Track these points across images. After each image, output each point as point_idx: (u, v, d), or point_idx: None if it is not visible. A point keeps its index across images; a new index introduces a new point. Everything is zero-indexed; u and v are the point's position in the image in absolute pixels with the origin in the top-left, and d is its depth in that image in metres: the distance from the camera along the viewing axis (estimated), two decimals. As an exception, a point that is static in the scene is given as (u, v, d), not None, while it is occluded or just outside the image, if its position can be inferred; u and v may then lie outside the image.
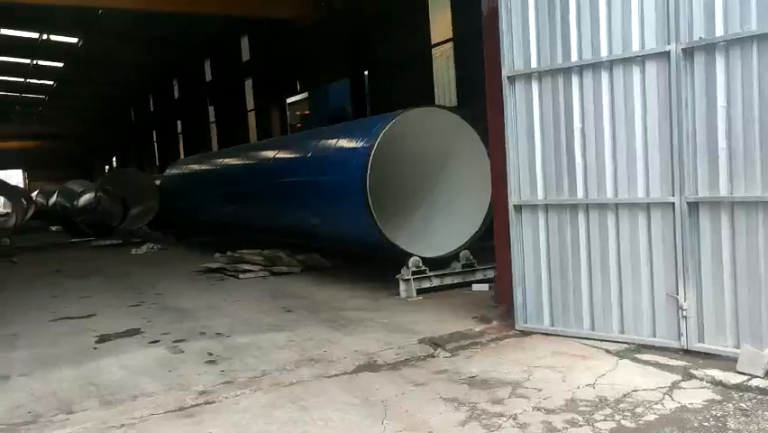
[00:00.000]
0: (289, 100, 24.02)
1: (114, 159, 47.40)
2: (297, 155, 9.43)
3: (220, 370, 4.90)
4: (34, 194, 40.18)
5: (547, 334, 5.39)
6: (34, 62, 30.12)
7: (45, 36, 25.98)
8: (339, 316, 6.59)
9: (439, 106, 8.51)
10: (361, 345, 5.40)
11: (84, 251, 14.90)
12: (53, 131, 47.44)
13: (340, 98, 19.54)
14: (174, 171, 15.42)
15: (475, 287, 7.57)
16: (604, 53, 4.99)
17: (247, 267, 9.88)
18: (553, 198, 5.36)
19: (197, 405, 4.17)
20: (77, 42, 26.84)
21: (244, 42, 25.38)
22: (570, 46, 5.16)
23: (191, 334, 6.09)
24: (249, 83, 25.66)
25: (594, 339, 5.11)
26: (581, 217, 5.22)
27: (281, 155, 9.91)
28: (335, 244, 9.15)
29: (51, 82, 34.68)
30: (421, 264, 7.55)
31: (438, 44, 15.52)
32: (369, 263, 9.21)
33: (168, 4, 18.18)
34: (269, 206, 10.11)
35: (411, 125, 7.98)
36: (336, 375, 4.66)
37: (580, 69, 5.14)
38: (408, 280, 7.44)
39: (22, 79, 33.89)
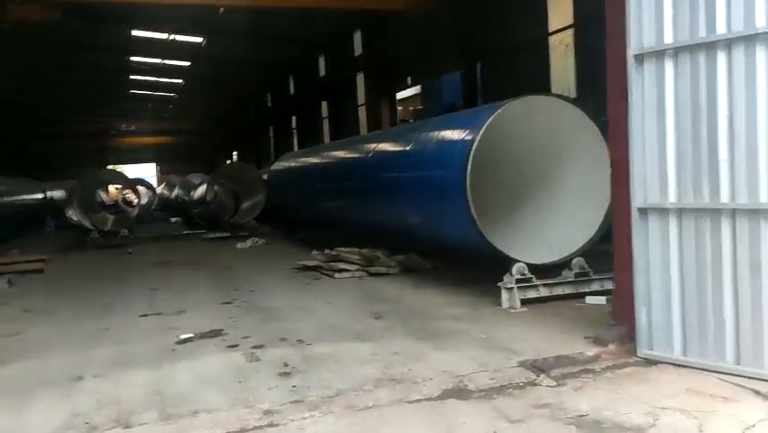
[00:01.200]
0: (401, 96, 23.67)
1: (234, 153, 49.41)
2: (396, 149, 8.89)
3: (292, 385, 4.43)
4: (160, 187, 42.81)
5: (677, 365, 4.46)
6: (164, 62, 31.76)
7: (173, 36, 27.23)
8: (431, 326, 5.96)
9: (553, 95, 7.59)
10: (451, 363, 4.75)
11: (194, 243, 15.26)
12: (182, 127, 50.30)
13: (453, 92, 18.86)
14: (279, 166, 15.43)
15: (589, 300, 6.66)
16: (760, 23, 4.00)
17: (343, 266, 9.48)
18: (688, 202, 4.42)
19: (259, 427, 3.71)
20: (202, 42, 27.94)
21: (357, 37, 25.31)
22: (715, 15, 4.20)
23: (272, 339, 5.70)
24: (360, 78, 25.60)
25: (739, 376, 4.15)
26: (726, 225, 4.25)
27: (380, 149, 9.40)
28: (434, 244, 8.50)
29: (180, 81, 36.53)
30: (527, 272, 6.74)
31: (557, 31, 14.39)
32: (473, 266, 8.47)
33: (284, 1, 18.35)
34: (367, 202, 9.67)
35: (520, 116, 7.18)
36: (418, 401, 4.05)
37: (729, 43, 4.17)
38: (511, 289, 6.66)
39: (155, 78, 35.94)
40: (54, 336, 6.20)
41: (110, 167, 56.83)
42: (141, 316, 6.98)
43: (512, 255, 6.79)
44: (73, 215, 14.80)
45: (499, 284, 6.74)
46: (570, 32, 13.89)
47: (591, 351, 4.91)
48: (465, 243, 7.36)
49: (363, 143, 10.80)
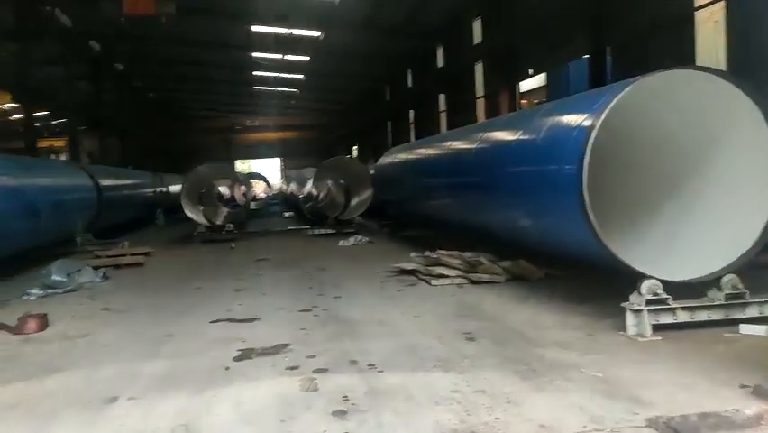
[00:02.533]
0: (524, 88, 22.16)
1: (354, 148, 49.66)
2: (501, 140, 7.73)
3: (344, 432, 3.54)
4: (277, 181, 43.82)
5: None
6: (284, 57, 32.18)
7: (291, 31, 27.39)
8: (533, 355, 4.84)
9: (700, 68, 6.11)
10: (552, 413, 3.65)
11: (297, 239, 14.87)
12: (305, 122, 51.36)
13: (581, 81, 17.15)
14: (386, 160, 14.67)
15: (744, 329, 5.23)
16: None
17: (442, 271, 8.48)
18: None
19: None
20: (320, 36, 27.90)
21: (476, 25, 24.09)
22: None
23: (340, 361, 4.85)
24: (479, 68, 24.36)
25: None
26: None
27: (484, 141, 8.28)
28: (545, 249, 7.27)
29: (301, 76, 37.02)
30: (661, 291, 5.41)
31: (705, 5, 12.42)
32: (592, 275, 7.16)
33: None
34: (470, 200, 8.62)
35: (655, 96, 5.82)
36: (501, 474, 3.01)
37: None
38: (640, 311, 5.36)
39: (277, 74, 36.66)
40: (116, 341, 5.76)
41: (238, 161, 59.80)
42: (213, 322, 6.41)
43: (640, 269, 5.48)
44: (185, 208, 14.87)
45: (624, 304, 5.47)
46: (720, 5, 11.92)
47: (751, 408, 3.62)
48: (581, 250, 6.12)
49: (467, 135, 9.68)
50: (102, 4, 13.65)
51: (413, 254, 9.42)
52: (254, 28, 26.83)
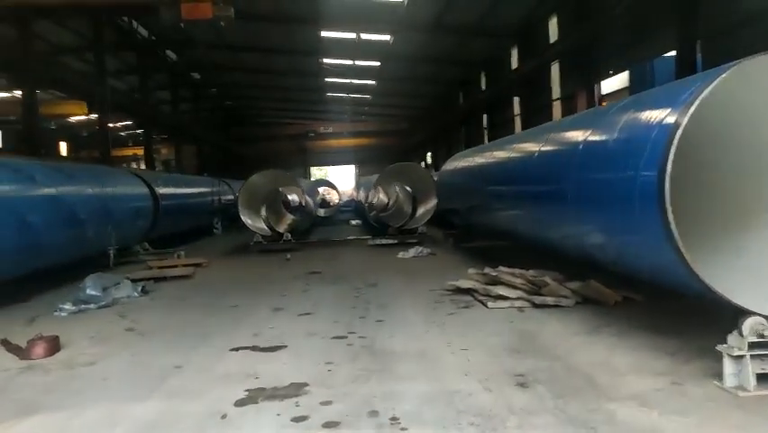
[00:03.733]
0: (606, 89, 20.62)
1: (428, 154, 48.75)
2: (568, 143, 6.66)
3: None
4: (349, 189, 43.42)
5: None
6: (355, 62, 31.79)
7: (360, 36, 26.90)
8: (602, 413, 3.84)
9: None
10: None
11: (356, 250, 14.15)
12: (378, 128, 50.92)
13: (668, 81, 15.56)
14: (450, 166, 13.72)
15: None
16: None
17: (502, 292, 7.49)
18: None
19: None
20: (389, 40, 27.27)
21: (552, 23, 22.76)
22: None
23: (358, 411, 4.02)
24: (555, 69, 22.99)
25: None
26: None
27: (549, 145, 7.22)
28: (620, 270, 6.15)
29: (373, 82, 36.55)
30: (767, 330, 4.27)
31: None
32: (679, 300, 5.98)
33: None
34: (534, 211, 7.57)
35: (757, 87, 4.66)
36: None
37: None
38: (741, 357, 4.24)
39: (348, 80, 36.35)
40: (119, 372, 5.16)
41: (313, 168, 60.21)
42: (233, 349, 5.71)
43: (742, 303, 4.34)
44: (242, 216, 14.47)
45: (720, 348, 4.35)
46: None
47: None
48: (663, 274, 5.02)
49: (530, 139, 8.61)
50: (161, 10, 13.39)
51: (471, 270, 8.48)
52: (323, 33, 26.52)
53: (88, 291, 7.95)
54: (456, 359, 5.19)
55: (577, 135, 6.39)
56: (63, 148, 39.17)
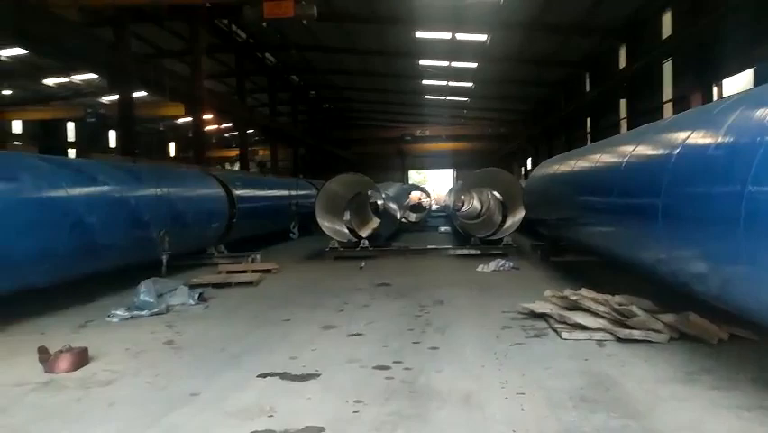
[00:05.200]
0: (727, 90, 18.60)
1: (528, 160, 46.97)
2: (660, 148, 5.57)
3: None
4: (442, 195, 42.42)
5: None
6: (451, 64, 30.94)
7: (455, 36, 26.04)
8: None
9: None
10: None
11: (434, 260, 13.34)
12: (476, 132, 49.69)
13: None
14: (539, 173, 12.64)
15: None
16: None
17: (581, 320, 6.48)
18: None
19: None
20: (486, 40, 26.23)
21: (666, 18, 20.90)
22: None
23: (367, 475, 3.30)
24: (667, 67, 21.09)
25: None
26: None
27: (641, 149, 6.13)
28: (725, 307, 5.03)
29: (470, 84, 35.54)
30: None
31: None
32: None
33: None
34: (621, 227, 6.50)
35: None
36: None
37: None
38: None
39: (445, 83, 35.54)
40: (130, 396, 4.72)
41: (412, 171, 59.84)
42: (261, 375, 5.15)
43: None
44: (319, 220, 14.09)
45: None
46: None
47: None
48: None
49: (623, 144, 7.47)
50: (244, 9, 13.29)
51: (548, 293, 7.49)
52: (418, 34, 25.92)
53: (142, 297, 7.72)
54: (507, 406, 4.34)
55: (671, 139, 5.32)
56: (172, 148, 41.00)
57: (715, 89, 17.69)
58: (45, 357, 5.59)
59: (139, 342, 6.36)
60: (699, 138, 4.76)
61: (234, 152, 42.62)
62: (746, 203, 3.70)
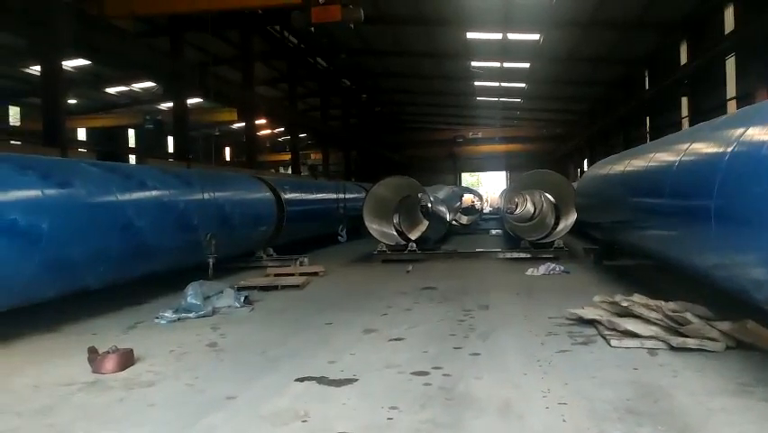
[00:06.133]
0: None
1: (585, 161, 45.85)
2: (712, 149, 5.28)
3: None
4: (495, 197, 41.76)
5: None
6: (503, 65, 30.52)
7: (506, 36, 25.67)
8: None
9: None
10: None
11: (483, 263, 13.13)
12: (530, 134, 48.91)
13: None
14: (592, 173, 12.27)
15: None
16: None
17: (632, 327, 6.22)
18: None
19: None
20: (539, 39, 25.77)
21: (728, 12, 20.03)
22: None
23: (395, 485, 3.21)
24: (731, 63, 20.20)
25: None
26: None
27: (692, 151, 5.83)
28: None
29: (523, 85, 34.99)
30: None
31: None
32: None
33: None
34: (673, 230, 6.21)
35: None
36: None
37: None
38: None
39: (497, 84, 35.09)
40: (168, 399, 4.75)
41: (465, 174, 59.37)
42: (298, 380, 5.12)
43: None
44: (367, 223, 14.09)
45: None
46: None
47: None
48: None
49: (677, 143, 7.14)
50: (293, 15, 13.45)
51: (597, 298, 7.23)
52: (469, 35, 25.67)
53: (189, 300, 7.85)
54: (548, 417, 4.18)
55: (726, 136, 5.03)
56: (227, 153, 41.91)
57: (782, 85, 16.84)
58: (93, 357, 5.74)
59: (183, 344, 6.46)
60: (754, 133, 4.47)
61: (287, 156, 43.25)
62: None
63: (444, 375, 5.16)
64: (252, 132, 22.37)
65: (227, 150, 42.64)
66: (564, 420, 4.11)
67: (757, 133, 4.52)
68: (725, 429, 3.89)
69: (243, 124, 23.83)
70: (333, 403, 4.55)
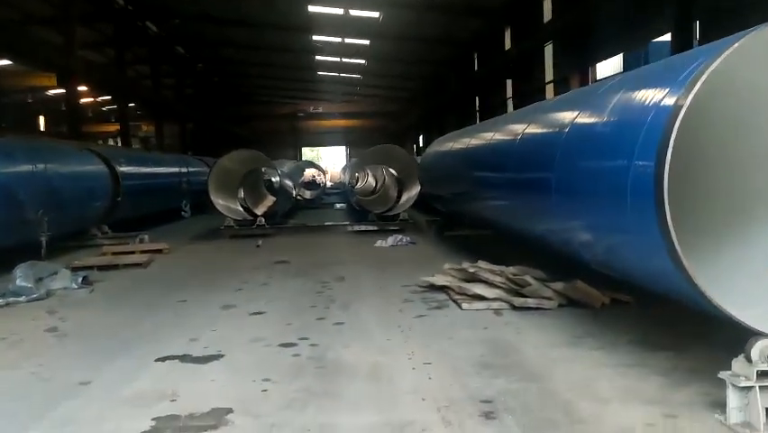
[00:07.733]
0: (601, 74, 19.75)
1: (420, 137, 47.83)
2: (551, 126, 5.86)
3: None
4: (338, 171, 42.30)
5: None
6: (344, 40, 30.71)
7: (348, 11, 25.84)
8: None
9: None
10: None
11: (332, 237, 13.36)
12: (369, 109, 49.77)
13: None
14: (433, 150, 12.91)
15: None
16: None
17: (479, 290, 6.73)
18: None
19: None
20: (378, 17, 26.25)
21: (547, 2, 21.81)
22: None
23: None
24: (548, 50, 22.09)
25: None
26: None
27: (532, 128, 6.42)
28: (611, 274, 5.42)
29: (363, 61, 35.51)
30: (782, 357, 3.53)
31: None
32: (677, 305, 5.20)
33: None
34: (515, 202, 6.79)
35: (758, 66, 3.89)
36: None
37: None
38: (749, 389, 3.50)
39: (338, 59, 35.26)
40: (13, 390, 4.37)
41: (305, 148, 59.15)
42: (159, 360, 4.93)
43: (748, 322, 3.60)
44: (213, 198, 13.62)
45: (723, 375, 3.61)
46: None
47: None
48: (657, 282, 4.30)
49: (515, 121, 7.79)
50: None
51: (447, 266, 7.71)
52: (311, 8, 25.48)
53: (18, 283, 7.15)
54: (415, 377, 4.43)
55: (562, 117, 5.61)
56: (41, 122, 37.88)
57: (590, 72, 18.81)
58: None
59: (17, 331, 5.89)
60: (586, 117, 5.04)
61: (114, 127, 40.08)
62: (632, 177, 3.96)
63: (312, 345, 5.25)
64: (74, 99, 20.45)
65: (41, 119, 38.48)
66: (430, 378, 4.39)
67: (587, 116, 5.09)
68: (563, 373, 4.40)
69: (63, 90, 21.70)
70: (202, 380, 4.45)
